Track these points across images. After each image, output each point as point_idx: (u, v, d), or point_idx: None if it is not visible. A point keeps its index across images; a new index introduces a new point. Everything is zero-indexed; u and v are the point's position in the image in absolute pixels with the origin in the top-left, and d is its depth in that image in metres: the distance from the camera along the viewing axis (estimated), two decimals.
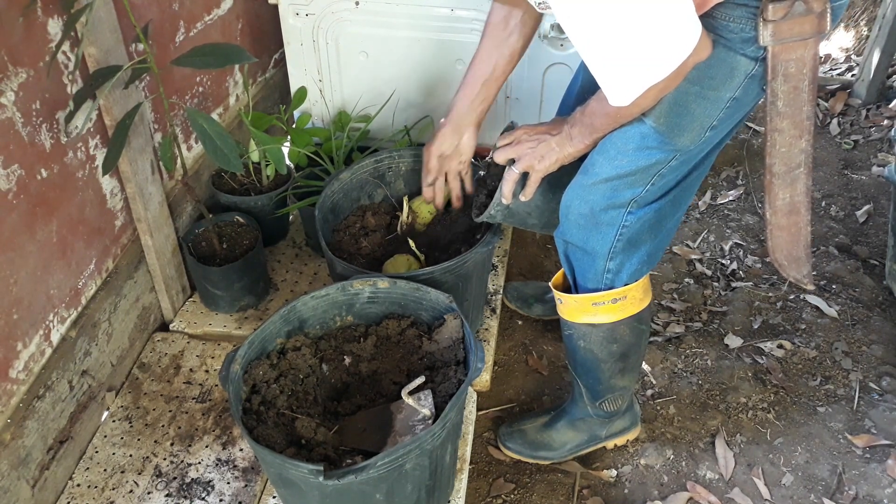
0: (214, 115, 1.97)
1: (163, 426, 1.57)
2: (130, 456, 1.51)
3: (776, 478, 1.69)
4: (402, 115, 2.11)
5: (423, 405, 1.28)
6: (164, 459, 1.50)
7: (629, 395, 1.63)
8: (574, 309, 1.44)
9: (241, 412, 1.26)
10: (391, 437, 1.29)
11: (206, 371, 1.69)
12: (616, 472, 1.70)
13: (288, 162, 2.01)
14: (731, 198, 2.55)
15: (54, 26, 1.30)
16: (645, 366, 1.92)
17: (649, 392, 1.88)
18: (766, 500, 1.65)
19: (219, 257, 1.77)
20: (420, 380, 1.27)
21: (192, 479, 1.47)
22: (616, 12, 0.93)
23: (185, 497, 1.43)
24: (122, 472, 1.48)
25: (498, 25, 1.39)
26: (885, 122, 2.84)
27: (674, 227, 1.38)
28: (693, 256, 2.29)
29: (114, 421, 1.58)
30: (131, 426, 1.57)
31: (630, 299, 1.40)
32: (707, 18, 1.08)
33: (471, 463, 1.60)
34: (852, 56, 3.23)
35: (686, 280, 2.22)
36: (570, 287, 1.46)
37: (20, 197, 1.28)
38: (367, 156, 1.80)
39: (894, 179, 2.06)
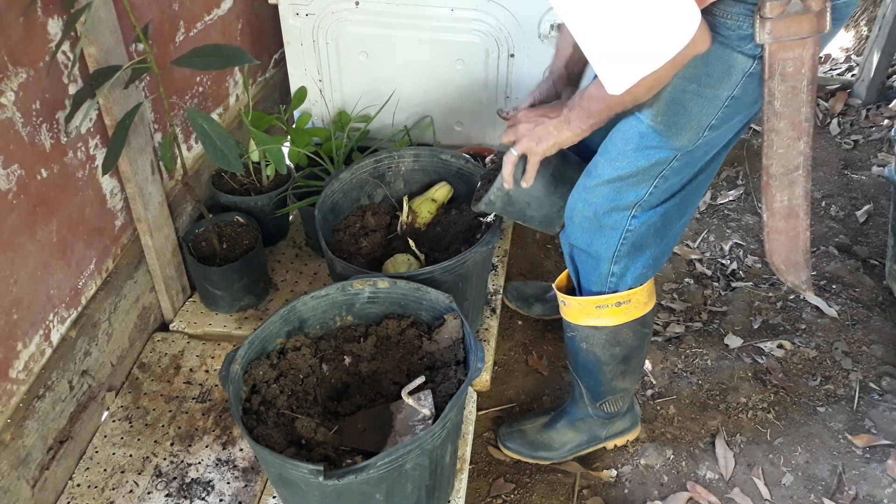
0: (214, 115, 1.97)
1: (163, 426, 1.57)
2: (130, 456, 1.51)
3: (776, 478, 1.69)
4: (402, 115, 2.12)
5: (423, 405, 1.28)
6: (164, 459, 1.50)
7: (630, 397, 1.63)
8: (577, 311, 1.44)
9: (241, 412, 1.26)
10: (391, 437, 1.29)
11: (206, 371, 1.69)
12: (616, 472, 1.70)
13: (288, 162, 2.01)
14: (731, 198, 2.55)
15: (54, 26, 1.30)
16: (646, 365, 1.92)
17: (649, 392, 1.88)
18: (766, 500, 1.65)
19: (219, 257, 1.77)
20: (420, 380, 1.27)
21: (192, 479, 1.47)
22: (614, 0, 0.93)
23: (185, 497, 1.43)
24: (122, 472, 1.48)
25: None
26: (885, 122, 2.84)
27: (679, 231, 1.38)
28: (693, 256, 2.29)
29: (114, 421, 1.58)
30: (131, 426, 1.57)
31: (634, 303, 1.40)
32: (704, 15, 1.08)
33: (471, 463, 1.60)
34: (852, 56, 3.23)
35: (686, 280, 2.22)
36: (573, 289, 1.46)
37: (20, 197, 1.28)
38: (367, 156, 1.80)
39: (894, 179, 2.06)
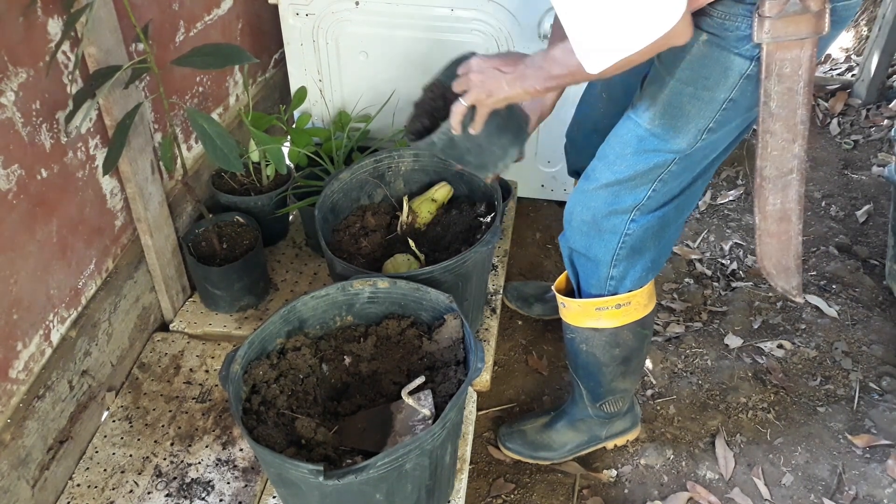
0: (214, 115, 1.97)
1: (163, 426, 1.57)
2: (130, 456, 1.51)
3: (776, 478, 1.69)
4: (402, 115, 2.11)
5: (423, 405, 1.28)
6: (164, 459, 1.50)
7: (630, 397, 1.63)
8: (577, 313, 1.44)
9: (241, 412, 1.26)
10: (391, 437, 1.29)
11: (206, 371, 1.69)
12: (616, 473, 1.70)
13: (288, 162, 2.01)
14: (731, 198, 2.55)
15: (54, 26, 1.30)
16: (646, 365, 1.92)
17: (649, 392, 1.88)
18: (766, 500, 1.65)
19: (219, 257, 1.77)
20: (420, 380, 1.27)
21: (192, 479, 1.46)
22: None
23: (185, 497, 1.43)
24: (122, 472, 1.48)
25: None
26: (885, 122, 2.84)
27: (677, 232, 1.37)
28: (693, 256, 2.29)
29: (114, 421, 1.58)
30: (131, 426, 1.57)
31: (634, 305, 1.40)
32: (703, 17, 1.07)
33: (471, 463, 1.60)
34: (852, 56, 3.23)
35: (686, 280, 2.22)
36: (573, 291, 1.46)
37: (20, 197, 1.28)
38: (367, 156, 1.80)
39: (894, 179, 2.06)
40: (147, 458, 1.50)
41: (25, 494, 1.34)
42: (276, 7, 2.00)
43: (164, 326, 1.82)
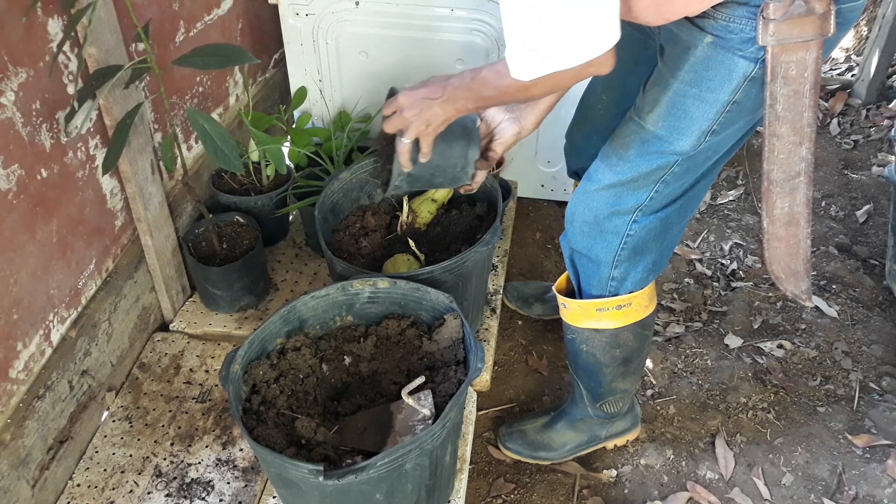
0: (214, 115, 1.97)
1: (163, 426, 1.57)
2: (130, 456, 1.51)
3: (776, 478, 1.69)
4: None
5: (423, 405, 1.28)
6: (164, 459, 1.50)
7: (630, 397, 1.63)
8: (578, 314, 1.44)
9: (241, 412, 1.26)
10: (391, 437, 1.29)
11: (206, 371, 1.69)
12: (616, 473, 1.70)
13: (288, 162, 2.01)
14: (731, 198, 2.55)
15: (54, 26, 1.30)
16: (646, 365, 1.92)
17: (649, 392, 1.88)
18: (766, 500, 1.65)
19: (219, 257, 1.77)
20: (420, 380, 1.27)
21: (192, 479, 1.46)
22: None
23: (185, 497, 1.43)
24: (122, 472, 1.48)
25: None
26: (885, 122, 2.84)
27: (678, 234, 1.37)
28: (693, 256, 2.29)
29: (114, 421, 1.58)
30: (131, 426, 1.57)
31: (635, 306, 1.39)
32: (707, 19, 1.07)
33: (471, 463, 1.60)
34: (852, 56, 3.23)
35: (686, 280, 2.22)
36: (573, 291, 1.46)
37: (20, 197, 1.28)
38: (367, 156, 1.80)
39: (894, 179, 2.06)
40: (147, 458, 1.50)
41: (25, 494, 1.34)
42: (276, 7, 2.00)
43: (164, 326, 1.82)
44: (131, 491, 1.44)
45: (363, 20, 1.96)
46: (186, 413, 1.60)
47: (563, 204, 2.39)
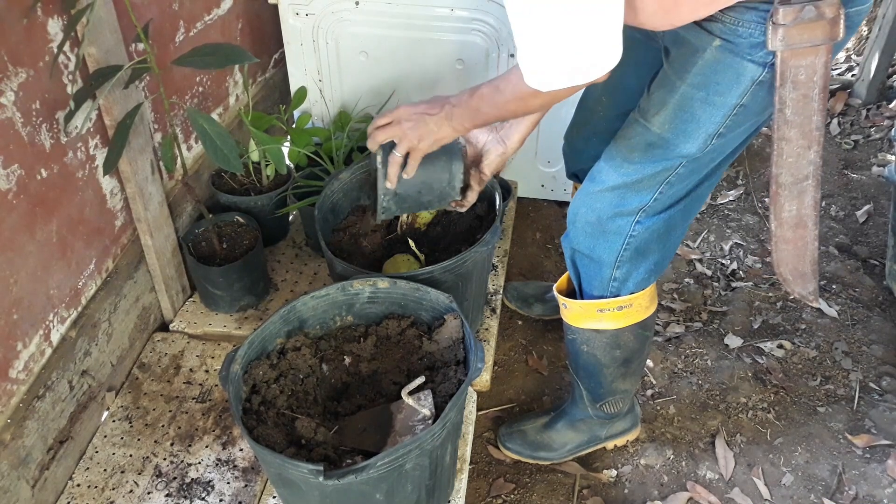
0: (214, 115, 1.97)
1: (163, 426, 1.57)
2: (130, 456, 1.51)
3: (776, 478, 1.69)
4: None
5: (423, 405, 1.28)
6: (164, 459, 1.50)
7: (630, 398, 1.63)
8: (578, 314, 1.44)
9: (241, 412, 1.26)
10: (391, 437, 1.29)
11: (206, 371, 1.69)
12: (616, 473, 1.70)
13: (288, 162, 2.01)
14: (731, 198, 2.55)
15: (54, 26, 1.30)
16: (646, 364, 1.92)
17: (649, 392, 1.88)
18: (766, 500, 1.65)
19: (219, 257, 1.77)
20: (420, 380, 1.27)
21: (192, 479, 1.46)
22: (563, 6, 0.93)
23: (185, 497, 1.43)
24: (122, 472, 1.48)
25: None
26: (885, 122, 2.84)
27: (681, 235, 1.37)
28: (693, 256, 2.29)
29: (114, 421, 1.58)
30: (131, 426, 1.57)
31: (636, 307, 1.39)
32: (715, 23, 1.07)
33: (471, 463, 1.60)
34: (852, 56, 3.23)
35: (686, 280, 2.22)
36: (574, 292, 1.46)
37: (20, 197, 1.28)
38: (367, 155, 1.80)
39: (894, 179, 2.06)
40: (147, 458, 1.50)
41: (25, 494, 1.34)
42: (276, 7, 2.00)
43: (164, 326, 1.82)
44: (131, 491, 1.44)
45: (363, 20, 1.96)
46: (186, 413, 1.60)
47: (563, 204, 2.39)
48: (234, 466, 1.49)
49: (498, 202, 1.65)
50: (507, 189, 1.69)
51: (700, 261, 2.29)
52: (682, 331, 2.04)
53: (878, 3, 2.84)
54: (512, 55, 1.96)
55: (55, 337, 1.43)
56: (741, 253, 2.31)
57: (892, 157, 2.64)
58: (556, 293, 1.49)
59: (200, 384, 1.66)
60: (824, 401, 1.84)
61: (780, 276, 1.26)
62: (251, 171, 1.96)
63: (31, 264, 1.33)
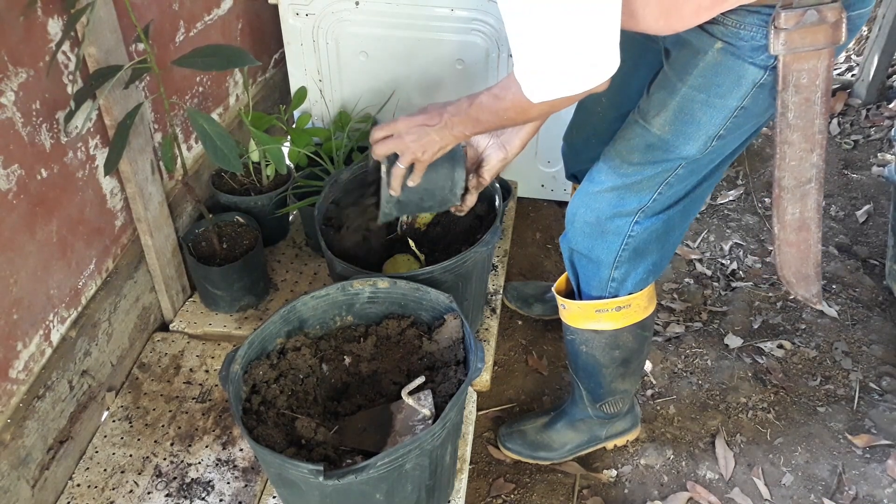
0: (214, 115, 1.97)
1: (163, 426, 1.57)
2: (130, 456, 1.51)
3: (776, 478, 1.69)
4: (403, 115, 2.11)
5: (423, 405, 1.28)
6: (164, 459, 1.50)
7: (630, 398, 1.63)
8: (577, 315, 1.44)
9: (241, 412, 1.26)
10: (391, 437, 1.29)
11: (206, 371, 1.69)
12: (616, 473, 1.70)
13: (288, 162, 2.01)
14: (731, 198, 2.55)
15: (54, 26, 1.30)
16: (646, 365, 1.92)
17: (649, 392, 1.88)
18: (766, 500, 1.65)
19: (219, 257, 1.77)
20: (420, 380, 1.27)
21: (192, 479, 1.47)
22: (558, 14, 0.93)
23: (185, 497, 1.43)
24: (122, 472, 1.48)
25: None
26: (885, 122, 2.84)
27: (680, 236, 1.37)
28: (693, 256, 2.29)
29: (114, 421, 1.58)
30: (131, 426, 1.57)
31: (634, 307, 1.39)
32: (717, 25, 1.07)
33: (471, 463, 1.60)
34: (852, 56, 3.23)
35: (686, 280, 2.22)
36: (573, 292, 1.46)
37: (20, 197, 1.28)
38: (367, 156, 1.80)
39: (894, 179, 2.06)
40: (147, 458, 1.50)
41: (25, 494, 1.34)
42: (276, 7, 2.00)
43: (164, 326, 1.82)
44: (131, 491, 1.44)
45: (363, 20, 1.96)
46: (186, 413, 1.60)
47: (563, 204, 2.39)
48: (234, 466, 1.49)
49: (498, 202, 1.65)
50: (507, 189, 1.69)
51: (700, 261, 2.29)
52: (682, 331, 2.04)
53: (878, 3, 2.84)
54: (511, 55, 1.96)
55: (55, 337, 1.43)
56: (741, 253, 2.31)
57: (892, 157, 2.64)
58: (555, 294, 1.49)
59: (200, 384, 1.66)
60: (824, 401, 1.84)
61: (784, 278, 1.26)
62: (251, 171, 1.96)
63: (32, 264, 1.33)
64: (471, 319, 1.70)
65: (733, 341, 2.00)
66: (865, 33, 3.14)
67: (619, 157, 1.25)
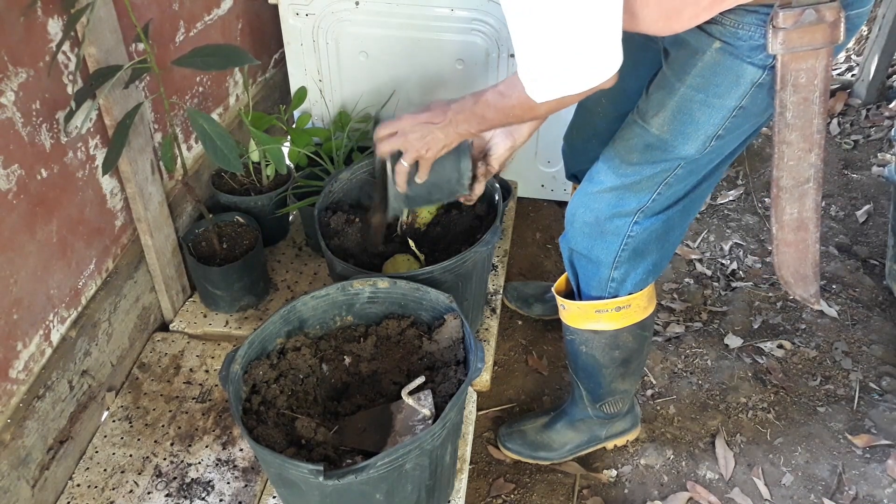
0: (214, 115, 1.97)
1: (163, 426, 1.57)
2: (130, 456, 1.51)
3: (776, 478, 1.69)
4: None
5: (423, 405, 1.28)
6: (164, 459, 1.50)
7: (630, 398, 1.63)
8: (577, 315, 1.44)
9: (241, 412, 1.26)
10: (391, 437, 1.29)
11: (206, 371, 1.69)
12: (616, 473, 1.70)
13: (288, 162, 2.01)
14: (731, 198, 2.55)
15: (54, 26, 1.30)
16: (646, 364, 1.92)
17: (649, 392, 1.88)
18: (766, 500, 1.65)
19: (219, 257, 1.77)
20: (420, 380, 1.27)
21: (192, 479, 1.47)
22: (560, 14, 0.93)
23: (185, 497, 1.43)
24: (122, 472, 1.48)
25: None
26: (885, 122, 2.84)
27: (680, 236, 1.37)
28: (693, 256, 2.29)
29: (114, 421, 1.58)
30: (131, 426, 1.57)
31: (634, 307, 1.39)
32: (715, 25, 1.07)
33: (471, 463, 1.60)
34: (852, 56, 3.23)
35: (686, 280, 2.22)
36: (573, 293, 1.45)
37: (20, 197, 1.28)
38: (367, 156, 1.80)
39: (894, 179, 2.06)
40: (147, 458, 1.50)
41: (25, 494, 1.34)
42: (276, 7, 2.00)
43: (164, 326, 1.82)
44: (131, 491, 1.44)
45: (363, 20, 1.96)
46: (186, 413, 1.60)
47: (563, 204, 2.39)
48: (234, 466, 1.49)
49: (498, 202, 1.65)
50: (507, 189, 1.69)
51: (700, 261, 2.29)
52: (682, 331, 2.04)
53: (878, 3, 2.84)
54: (512, 55, 1.96)
55: (55, 337, 1.43)
56: (741, 253, 2.31)
57: (892, 157, 2.64)
58: (554, 294, 1.49)
59: (200, 384, 1.66)
60: (824, 401, 1.84)
61: (782, 278, 1.26)
62: (251, 171, 1.96)
63: (32, 264, 1.33)
64: (471, 319, 1.70)
65: (733, 341, 2.00)
66: (865, 33, 3.14)
67: (619, 157, 1.25)
